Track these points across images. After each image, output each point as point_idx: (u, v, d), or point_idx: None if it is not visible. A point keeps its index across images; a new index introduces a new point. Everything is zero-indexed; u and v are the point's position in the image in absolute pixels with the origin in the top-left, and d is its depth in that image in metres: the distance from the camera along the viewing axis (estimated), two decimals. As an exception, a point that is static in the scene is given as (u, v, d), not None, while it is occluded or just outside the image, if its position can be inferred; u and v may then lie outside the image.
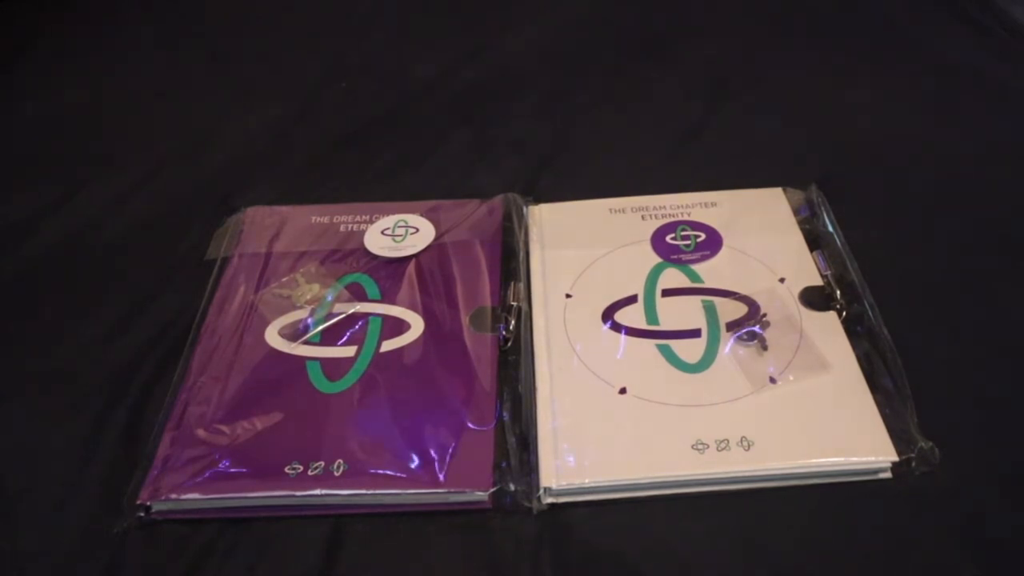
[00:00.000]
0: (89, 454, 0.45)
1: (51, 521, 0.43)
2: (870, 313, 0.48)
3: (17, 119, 0.71)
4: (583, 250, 0.54)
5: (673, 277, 0.52)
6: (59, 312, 0.54)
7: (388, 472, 0.42)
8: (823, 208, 0.55)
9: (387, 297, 0.51)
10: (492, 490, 0.42)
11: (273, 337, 0.49)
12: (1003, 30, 0.74)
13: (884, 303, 0.49)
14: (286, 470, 0.42)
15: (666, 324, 0.49)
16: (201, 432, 0.44)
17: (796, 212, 0.56)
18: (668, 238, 0.54)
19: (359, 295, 0.52)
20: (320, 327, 0.49)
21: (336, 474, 0.42)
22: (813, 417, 0.44)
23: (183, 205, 0.61)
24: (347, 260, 0.54)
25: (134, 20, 0.84)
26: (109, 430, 0.46)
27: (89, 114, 0.71)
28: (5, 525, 0.43)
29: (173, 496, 0.42)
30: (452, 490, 0.42)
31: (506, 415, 0.45)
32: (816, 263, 0.52)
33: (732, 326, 0.49)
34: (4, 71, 0.76)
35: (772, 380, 0.45)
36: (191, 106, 0.72)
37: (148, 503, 0.42)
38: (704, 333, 0.48)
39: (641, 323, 0.49)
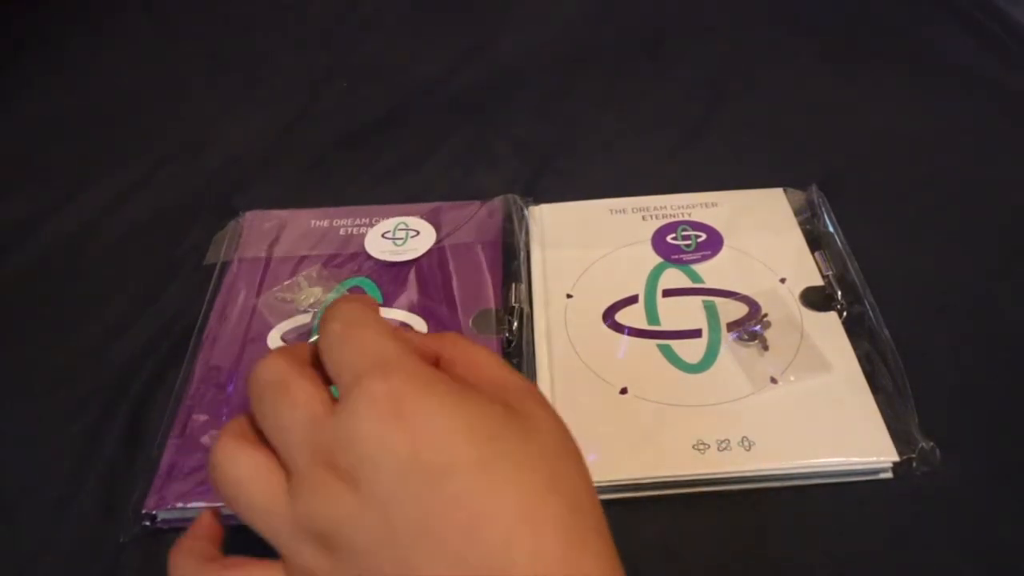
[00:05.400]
0: (90, 456, 0.45)
1: (51, 524, 0.43)
2: (871, 313, 0.49)
3: (17, 119, 0.71)
4: (584, 250, 0.54)
5: (674, 277, 0.52)
6: (59, 313, 0.54)
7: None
8: (824, 208, 0.55)
9: (389, 301, 0.51)
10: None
11: (276, 342, 0.49)
12: (1003, 31, 0.74)
13: (884, 303, 0.49)
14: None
15: (667, 324, 0.49)
16: (206, 439, 0.44)
17: (797, 212, 0.56)
18: (669, 238, 0.55)
19: (361, 297, 0.52)
20: (323, 330, 0.49)
21: None
22: (814, 417, 0.44)
23: (183, 206, 0.61)
24: (348, 264, 0.54)
25: (134, 20, 0.83)
26: (110, 432, 0.46)
27: (89, 114, 0.71)
28: (4, 527, 0.43)
29: (179, 505, 0.41)
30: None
31: (508, 416, 0.45)
32: (817, 263, 0.52)
33: (733, 326, 0.49)
34: (4, 71, 0.76)
35: (773, 380, 0.46)
36: (191, 106, 0.72)
37: (154, 511, 0.42)
38: (705, 333, 0.48)
39: (642, 323, 0.49)
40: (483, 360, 0.29)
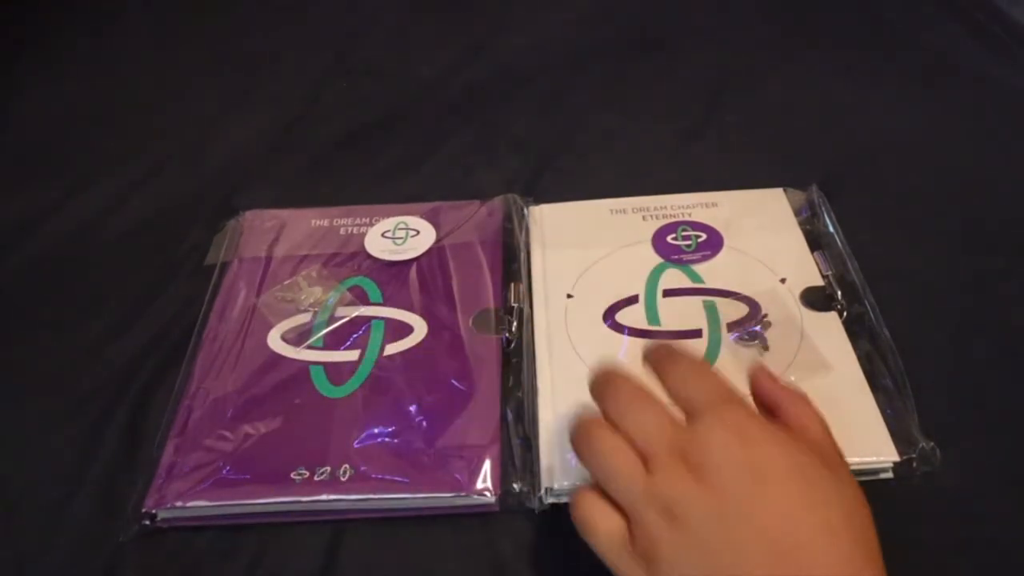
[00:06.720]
0: (90, 456, 0.45)
1: (51, 524, 0.43)
2: (871, 313, 0.49)
3: (17, 119, 0.71)
4: (584, 250, 0.54)
5: (674, 277, 0.52)
6: (59, 313, 0.54)
7: (394, 477, 0.42)
8: (824, 208, 0.55)
9: (389, 300, 0.51)
10: (499, 493, 0.42)
11: (276, 341, 0.49)
12: (1003, 31, 0.74)
13: (884, 303, 0.49)
14: (292, 476, 0.42)
15: (667, 324, 0.49)
16: (205, 439, 0.44)
17: (797, 212, 0.56)
18: (669, 238, 0.54)
19: (361, 298, 0.52)
20: (323, 331, 0.49)
21: (343, 479, 0.42)
22: (814, 417, 0.44)
23: (183, 205, 0.61)
24: (348, 264, 0.54)
25: (134, 20, 0.84)
26: (110, 432, 0.46)
27: (89, 114, 0.71)
28: (4, 527, 0.43)
29: (179, 504, 0.41)
30: (458, 493, 0.42)
31: (510, 415, 0.45)
32: (817, 263, 0.52)
33: (733, 326, 0.49)
34: (4, 71, 0.76)
35: (773, 380, 0.46)
36: (191, 106, 0.72)
37: (154, 511, 0.42)
38: (705, 333, 0.48)
39: (642, 323, 0.49)
40: (814, 423, 0.35)
